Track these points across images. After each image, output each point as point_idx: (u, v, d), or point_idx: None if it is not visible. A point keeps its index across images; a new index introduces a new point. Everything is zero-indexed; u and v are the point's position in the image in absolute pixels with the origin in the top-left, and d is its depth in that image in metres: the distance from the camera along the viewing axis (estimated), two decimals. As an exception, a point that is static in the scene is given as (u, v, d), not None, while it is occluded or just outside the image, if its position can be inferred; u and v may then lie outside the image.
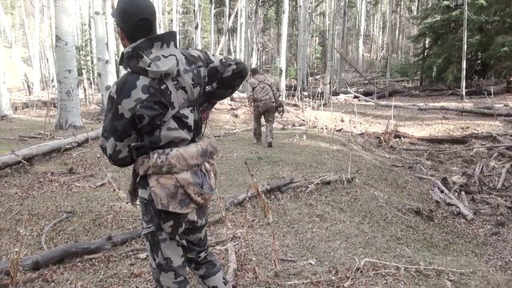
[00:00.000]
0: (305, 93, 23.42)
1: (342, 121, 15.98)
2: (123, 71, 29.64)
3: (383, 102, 20.40)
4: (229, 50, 38.55)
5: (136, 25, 2.26)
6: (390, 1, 32.30)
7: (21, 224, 5.07)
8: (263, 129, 10.71)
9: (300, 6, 26.31)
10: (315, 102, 17.02)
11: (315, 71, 41.67)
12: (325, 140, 10.61)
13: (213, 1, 34.35)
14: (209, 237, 4.61)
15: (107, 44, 17.94)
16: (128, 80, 2.19)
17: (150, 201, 2.29)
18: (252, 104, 10.12)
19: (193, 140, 2.41)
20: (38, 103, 19.92)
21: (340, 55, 29.79)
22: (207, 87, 2.56)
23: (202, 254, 2.65)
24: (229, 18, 29.90)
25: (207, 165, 2.47)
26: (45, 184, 6.68)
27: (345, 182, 6.57)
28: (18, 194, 6.18)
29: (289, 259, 4.04)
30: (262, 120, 10.45)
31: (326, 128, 12.39)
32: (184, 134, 2.35)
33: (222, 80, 2.55)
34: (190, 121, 2.38)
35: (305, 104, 18.80)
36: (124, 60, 2.26)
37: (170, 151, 2.27)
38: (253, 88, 9.96)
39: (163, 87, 2.22)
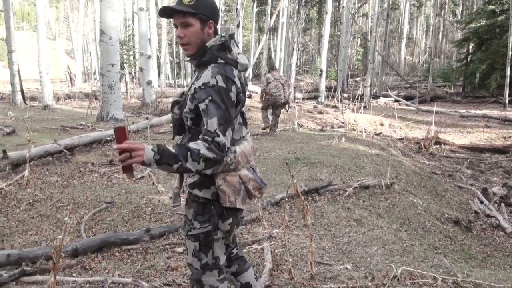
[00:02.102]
0: (345, 95, 23.19)
1: (382, 125, 15.77)
2: (164, 67, 30.07)
3: (424, 107, 20.01)
4: (269, 49, 38.55)
5: (218, 19, 2.35)
6: (434, 4, 31.75)
7: (61, 211, 5.20)
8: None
9: (343, 7, 26.10)
10: (354, 105, 16.85)
11: (356, 73, 41.19)
12: (364, 143, 10.48)
13: (255, 0, 34.42)
14: (246, 235, 4.62)
15: (149, 39, 18.23)
16: (227, 70, 2.22)
17: (212, 201, 2.30)
18: (264, 96, 11.33)
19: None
20: (79, 95, 20.37)
21: (382, 57, 29.39)
22: None
23: (234, 250, 2.68)
24: (270, 17, 29.91)
25: (253, 161, 2.50)
26: (85, 174, 6.82)
27: (384, 187, 6.47)
28: (59, 182, 6.32)
29: (325, 262, 4.00)
30: (269, 111, 11.72)
31: (365, 131, 12.25)
32: (244, 130, 2.42)
33: None
34: (246, 118, 2.47)
35: (345, 106, 18.64)
36: (212, 52, 2.26)
37: (236, 149, 2.30)
38: (268, 83, 11.14)
39: (244, 79, 2.33)
